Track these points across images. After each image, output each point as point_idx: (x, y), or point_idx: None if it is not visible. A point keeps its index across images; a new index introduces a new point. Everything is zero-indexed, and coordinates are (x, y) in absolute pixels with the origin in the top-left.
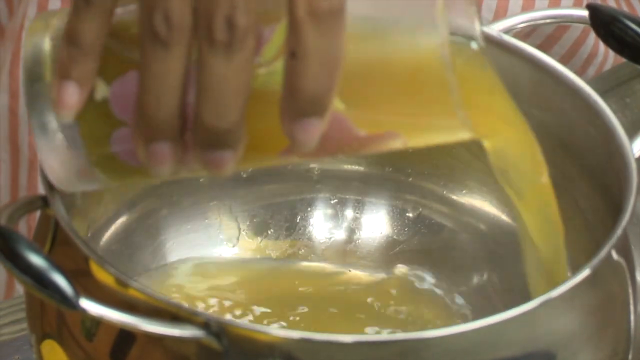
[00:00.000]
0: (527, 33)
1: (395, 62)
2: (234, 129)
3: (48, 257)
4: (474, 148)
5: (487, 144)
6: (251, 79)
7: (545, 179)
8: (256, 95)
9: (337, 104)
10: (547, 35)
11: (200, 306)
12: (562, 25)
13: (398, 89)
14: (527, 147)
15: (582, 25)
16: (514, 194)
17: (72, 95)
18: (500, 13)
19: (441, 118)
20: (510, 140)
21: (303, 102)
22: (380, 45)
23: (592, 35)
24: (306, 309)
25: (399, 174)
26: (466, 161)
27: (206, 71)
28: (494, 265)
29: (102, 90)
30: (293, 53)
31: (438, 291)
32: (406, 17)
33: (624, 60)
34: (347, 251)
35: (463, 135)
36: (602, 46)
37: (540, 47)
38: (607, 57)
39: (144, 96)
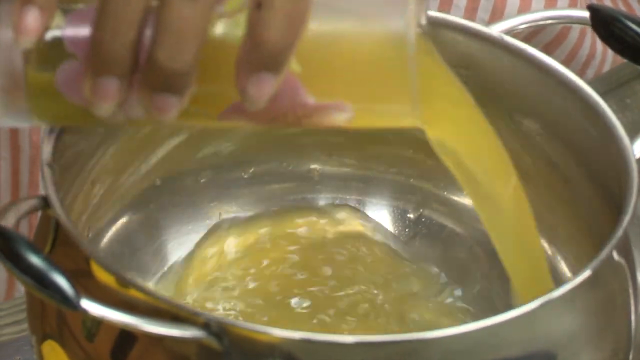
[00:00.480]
0: (527, 38)
1: (360, 37)
2: (184, 73)
3: (49, 258)
4: None
5: (429, 133)
6: (210, 25)
7: (512, 183)
8: (212, 45)
9: (294, 66)
10: (547, 42)
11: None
12: (561, 33)
13: (358, 63)
14: (477, 139)
15: (578, 29)
16: (470, 191)
17: (34, 21)
18: (496, 14)
19: (393, 101)
20: (455, 131)
21: (262, 55)
22: (349, 19)
23: (589, 37)
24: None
25: (399, 175)
26: None
27: (167, 9)
28: (494, 265)
29: (58, 20)
30: (259, 3)
31: (439, 291)
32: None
33: (622, 60)
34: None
35: (409, 122)
36: (599, 47)
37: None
38: (605, 58)
39: (100, 28)
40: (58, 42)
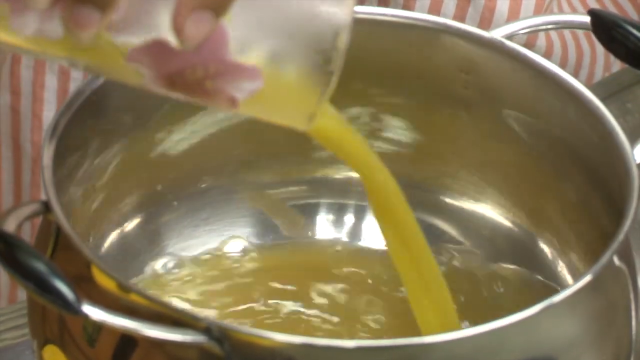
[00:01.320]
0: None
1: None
2: None
3: (50, 263)
4: (476, 154)
5: (312, 134)
6: None
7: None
8: None
9: (228, 19)
10: (543, 52)
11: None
12: (548, 45)
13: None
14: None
15: (557, 35)
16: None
17: None
18: (484, 23)
19: (295, 109)
20: (333, 142)
21: None
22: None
23: (570, 37)
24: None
25: (399, 180)
26: (468, 167)
27: None
28: (494, 269)
29: None
30: None
31: None
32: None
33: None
34: (348, 255)
35: (293, 126)
36: (585, 46)
37: None
38: (596, 54)
39: None
40: None
